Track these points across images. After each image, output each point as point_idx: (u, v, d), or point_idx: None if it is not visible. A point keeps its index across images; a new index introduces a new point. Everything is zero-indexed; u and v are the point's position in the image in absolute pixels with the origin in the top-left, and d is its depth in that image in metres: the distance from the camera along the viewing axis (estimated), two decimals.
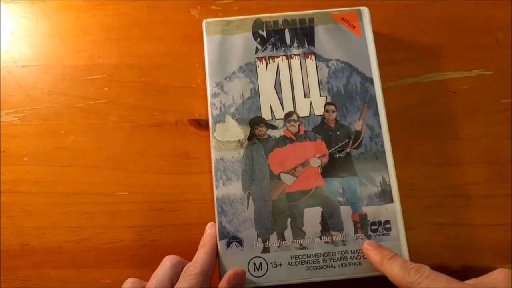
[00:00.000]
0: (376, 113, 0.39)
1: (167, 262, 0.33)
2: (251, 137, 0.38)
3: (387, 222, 0.37)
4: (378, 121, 0.39)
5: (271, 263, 0.36)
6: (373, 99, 0.39)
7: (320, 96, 0.39)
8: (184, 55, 0.44)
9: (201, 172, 0.41)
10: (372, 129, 0.38)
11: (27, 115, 0.43)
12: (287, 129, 0.39)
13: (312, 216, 0.37)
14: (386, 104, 0.39)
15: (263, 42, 0.41)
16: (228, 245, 0.36)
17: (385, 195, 0.37)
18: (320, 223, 0.36)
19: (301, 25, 0.41)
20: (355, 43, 0.40)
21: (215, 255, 0.35)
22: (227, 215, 0.37)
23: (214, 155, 0.38)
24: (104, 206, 0.40)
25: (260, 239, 0.36)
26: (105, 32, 0.45)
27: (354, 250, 0.36)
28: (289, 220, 0.37)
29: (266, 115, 0.39)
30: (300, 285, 0.35)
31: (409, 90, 0.43)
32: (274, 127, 0.39)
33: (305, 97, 0.39)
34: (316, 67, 0.40)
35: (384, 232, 0.36)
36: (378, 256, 0.34)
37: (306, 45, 0.40)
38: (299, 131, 0.39)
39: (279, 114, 0.39)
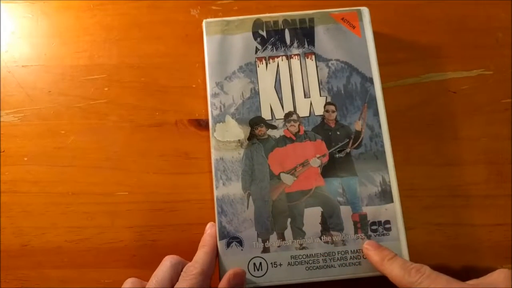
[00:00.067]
0: (376, 113, 0.39)
1: (167, 262, 0.33)
2: (251, 137, 0.38)
3: (387, 222, 0.37)
4: (378, 121, 0.38)
5: (271, 263, 0.36)
6: (373, 99, 0.39)
7: (320, 96, 0.39)
8: (184, 55, 0.44)
9: (201, 172, 0.41)
10: (372, 129, 0.38)
11: (27, 115, 0.43)
12: (287, 129, 0.39)
13: (312, 216, 0.37)
14: (386, 104, 0.39)
15: (263, 42, 0.41)
16: (228, 245, 0.36)
17: (385, 195, 0.37)
18: (320, 223, 0.36)
19: (301, 25, 0.41)
20: (355, 43, 0.40)
21: (215, 255, 0.35)
22: (227, 215, 0.37)
23: (214, 155, 0.38)
24: (104, 206, 0.40)
25: (260, 239, 0.36)
26: (105, 32, 0.45)
27: (354, 250, 0.36)
28: (289, 220, 0.37)
29: (266, 115, 0.39)
30: (300, 285, 0.35)
31: (409, 90, 0.43)
32: (274, 127, 0.39)
33: (305, 97, 0.39)
34: (316, 67, 0.40)
35: (384, 232, 0.36)
36: (378, 256, 0.34)
37: (306, 45, 0.40)
38: (299, 131, 0.39)
39: (279, 114, 0.39)
